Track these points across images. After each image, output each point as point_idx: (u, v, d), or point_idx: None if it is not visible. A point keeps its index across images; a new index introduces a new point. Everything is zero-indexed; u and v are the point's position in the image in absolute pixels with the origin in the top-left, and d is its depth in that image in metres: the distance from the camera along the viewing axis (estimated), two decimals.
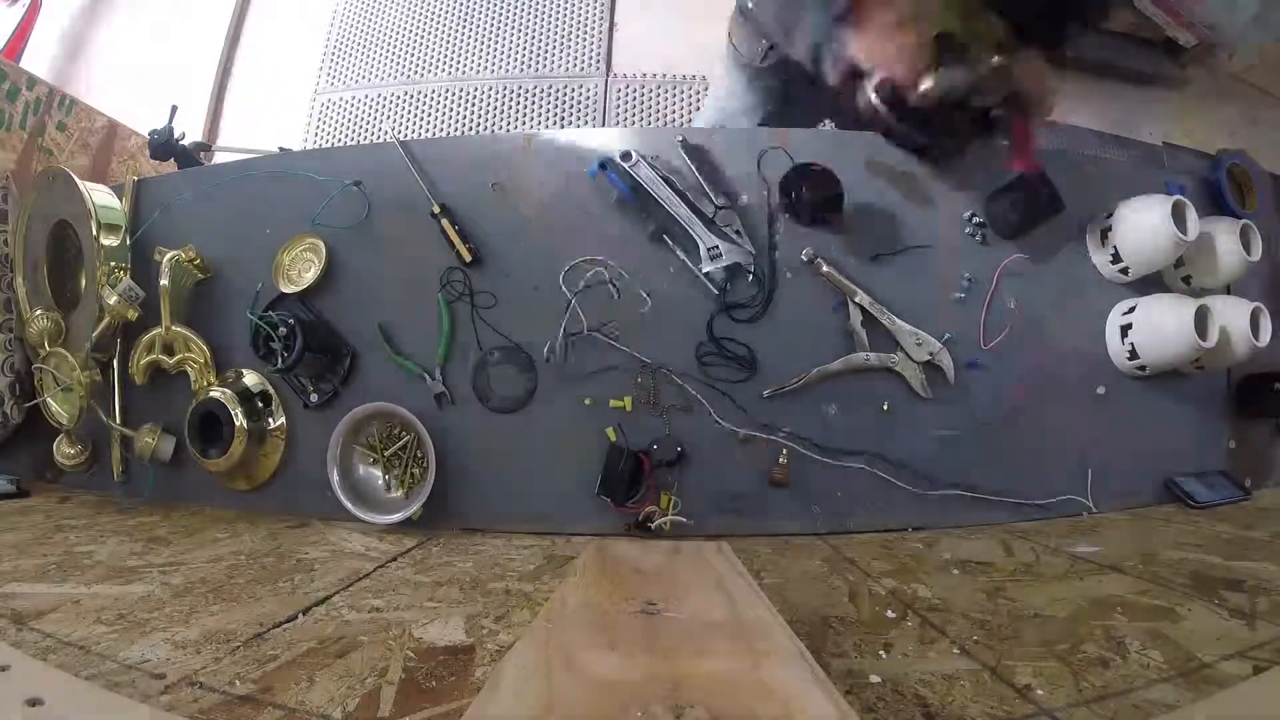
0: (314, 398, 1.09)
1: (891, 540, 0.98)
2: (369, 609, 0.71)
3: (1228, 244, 1.05)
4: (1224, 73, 2.45)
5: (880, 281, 1.05)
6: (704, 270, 1.01)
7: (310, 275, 1.09)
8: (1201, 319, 0.98)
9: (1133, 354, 1.06)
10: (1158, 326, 1.03)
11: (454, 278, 1.07)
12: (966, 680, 0.56)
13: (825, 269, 1.02)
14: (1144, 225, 1.03)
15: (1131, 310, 1.07)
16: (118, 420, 1.15)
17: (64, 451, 1.17)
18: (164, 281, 1.10)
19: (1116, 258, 1.07)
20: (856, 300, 1.02)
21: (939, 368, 1.03)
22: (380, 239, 1.10)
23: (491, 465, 1.05)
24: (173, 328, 1.11)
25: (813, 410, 1.03)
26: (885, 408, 1.03)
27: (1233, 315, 1.02)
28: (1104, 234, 1.08)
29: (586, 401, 1.04)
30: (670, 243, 1.04)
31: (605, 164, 1.01)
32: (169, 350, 1.12)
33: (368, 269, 1.11)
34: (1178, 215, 0.99)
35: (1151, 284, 1.10)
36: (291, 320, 1.04)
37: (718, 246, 1.01)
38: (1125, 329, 1.06)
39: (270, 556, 0.88)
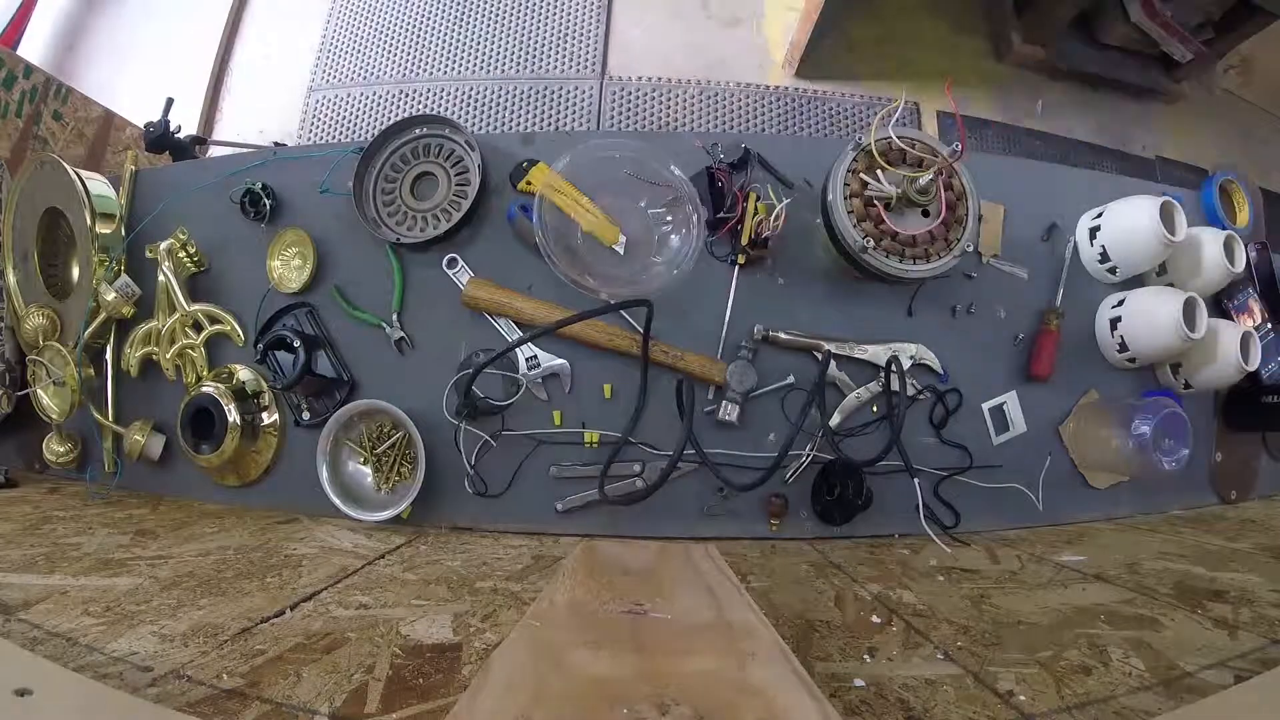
0: (306, 416, 1.09)
1: (878, 546, 0.99)
2: (356, 605, 0.71)
3: (1212, 252, 1.06)
4: (1218, 88, 2.48)
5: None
6: (522, 382, 1.03)
7: (305, 274, 1.09)
8: (1190, 310, 0.99)
9: (1122, 346, 1.07)
10: (1147, 317, 1.04)
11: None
12: (950, 685, 0.57)
13: (785, 337, 1.03)
14: (1132, 224, 1.04)
15: (1121, 304, 1.08)
16: (110, 416, 1.14)
17: (53, 449, 1.15)
18: (165, 265, 1.10)
19: (1104, 256, 1.08)
20: (827, 349, 1.02)
21: (925, 364, 1.04)
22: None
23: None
24: (191, 306, 1.11)
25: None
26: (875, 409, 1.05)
27: (1223, 339, 1.03)
28: (1093, 232, 1.09)
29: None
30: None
31: (525, 207, 1.02)
32: (173, 339, 1.12)
33: (353, 258, 1.11)
34: (1166, 216, 1.00)
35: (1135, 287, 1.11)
36: (298, 344, 1.04)
37: (535, 357, 1.03)
38: (1114, 321, 1.08)
39: (258, 551, 0.88)
